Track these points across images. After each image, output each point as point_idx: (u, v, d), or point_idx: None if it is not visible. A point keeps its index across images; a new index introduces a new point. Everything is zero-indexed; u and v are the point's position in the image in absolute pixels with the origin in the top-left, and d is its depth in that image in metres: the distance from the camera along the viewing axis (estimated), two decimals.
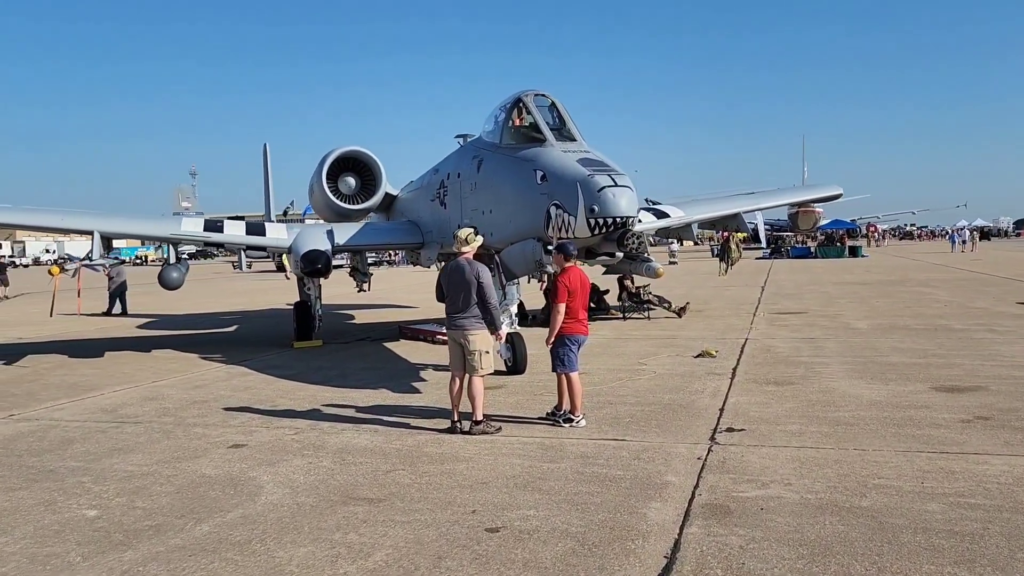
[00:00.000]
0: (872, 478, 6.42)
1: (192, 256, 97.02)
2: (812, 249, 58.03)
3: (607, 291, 20.75)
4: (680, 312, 19.19)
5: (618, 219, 9.37)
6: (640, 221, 17.66)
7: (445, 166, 14.33)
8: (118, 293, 26.05)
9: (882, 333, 15.24)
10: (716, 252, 47.38)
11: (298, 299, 16.96)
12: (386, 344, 16.13)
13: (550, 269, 13.79)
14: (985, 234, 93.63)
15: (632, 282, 19.99)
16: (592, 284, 20.58)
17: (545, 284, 13.93)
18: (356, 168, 18.70)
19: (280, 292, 30.95)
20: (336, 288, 26.18)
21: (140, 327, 21.84)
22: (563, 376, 8.53)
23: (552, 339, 8.48)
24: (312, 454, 7.67)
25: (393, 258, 60.60)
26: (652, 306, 19.54)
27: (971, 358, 12.10)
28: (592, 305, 20.79)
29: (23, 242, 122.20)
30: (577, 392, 8.47)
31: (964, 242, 60.72)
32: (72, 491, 6.71)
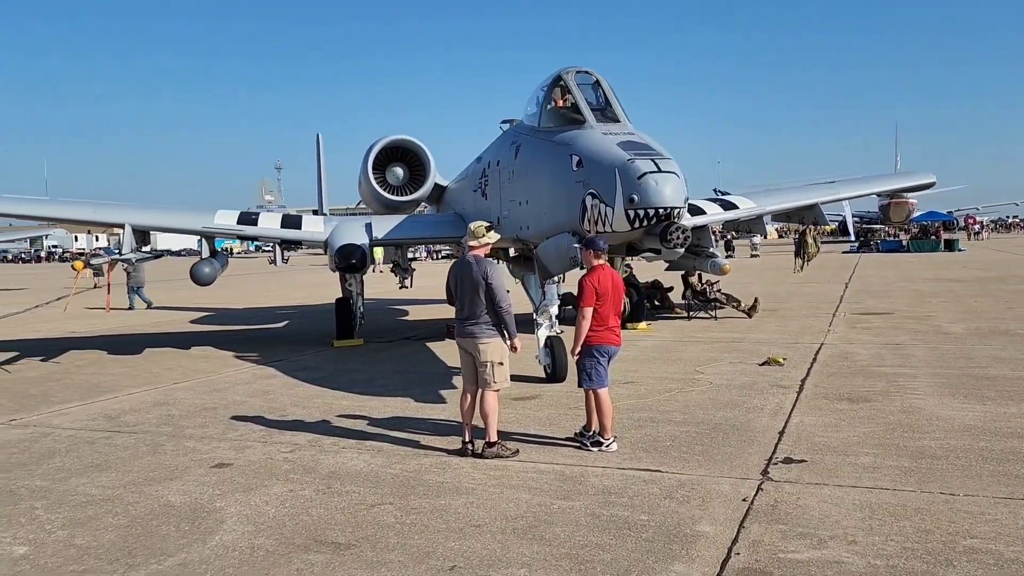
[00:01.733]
0: (962, 537, 5.08)
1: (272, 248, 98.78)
2: (904, 243, 54.68)
3: (671, 288, 19.38)
4: (750, 311, 17.66)
5: (661, 210, 8.12)
6: (703, 212, 16.32)
7: (487, 154, 13.28)
8: (135, 289, 25.68)
9: (979, 339, 13.48)
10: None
11: (340, 296, 16.16)
12: (429, 344, 15.21)
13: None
14: None
15: (699, 279, 18.56)
16: (654, 281, 19.62)
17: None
18: (405, 158, 17.85)
19: None
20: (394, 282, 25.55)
21: (194, 321, 21.58)
22: (591, 393, 7.38)
23: (578, 349, 7.34)
24: (298, 479, 6.74)
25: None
26: (719, 305, 18.07)
27: None
28: (656, 303, 19.60)
29: (118, 234, 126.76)
30: (607, 411, 7.30)
31: None
32: (17, 519, 5.94)
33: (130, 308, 25.20)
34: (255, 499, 6.24)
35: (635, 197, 8.14)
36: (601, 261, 7.44)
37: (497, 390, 7.28)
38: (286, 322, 20.86)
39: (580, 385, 7.46)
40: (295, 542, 5.32)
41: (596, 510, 5.77)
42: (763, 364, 11.59)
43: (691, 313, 18.13)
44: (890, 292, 22.99)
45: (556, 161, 9.50)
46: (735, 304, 17.92)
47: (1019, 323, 15.28)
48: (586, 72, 10.35)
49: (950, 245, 50.96)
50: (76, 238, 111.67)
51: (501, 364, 7.23)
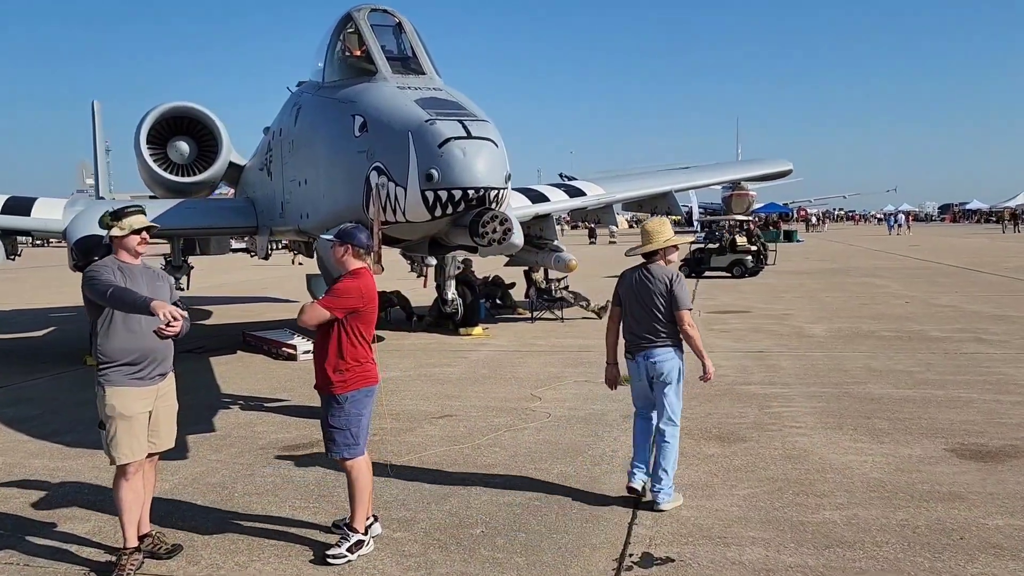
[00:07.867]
0: None
1: None
2: None
3: (513, 284, 17.20)
4: (600, 312, 15.74)
5: (470, 191, 5.75)
6: (547, 199, 14.20)
7: (274, 123, 10.51)
8: None
9: (846, 343, 12.07)
10: None
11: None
12: (214, 359, 12.23)
13: (432, 261, 10.14)
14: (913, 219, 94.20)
15: (545, 275, 16.50)
16: (494, 278, 17.32)
17: (427, 279, 10.25)
18: (192, 131, 14.66)
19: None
20: (220, 277, 22.05)
21: None
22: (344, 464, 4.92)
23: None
24: None
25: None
26: (566, 304, 16.04)
27: (977, 387, 8.94)
28: (498, 302, 17.40)
29: None
30: (362, 488, 4.86)
31: (900, 225, 60.84)
32: None
33: None
34: None
35: (434, 172, 5.72)
36: (363, 263, 4.93)
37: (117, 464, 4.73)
38: (52, 328, 17.08)
39: (328, 453, 4.99)
40: None
41: None
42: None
43: (535, 314, 16.02)
44: (741, 286, 21.93)
45: (335, 124, 6.96)
46: (584, 304, 15.97)
47: (879, 322, 14.13)
48: (384, 11, 7.83)
49: (789, 236, 52.16)
50: None
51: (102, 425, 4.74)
